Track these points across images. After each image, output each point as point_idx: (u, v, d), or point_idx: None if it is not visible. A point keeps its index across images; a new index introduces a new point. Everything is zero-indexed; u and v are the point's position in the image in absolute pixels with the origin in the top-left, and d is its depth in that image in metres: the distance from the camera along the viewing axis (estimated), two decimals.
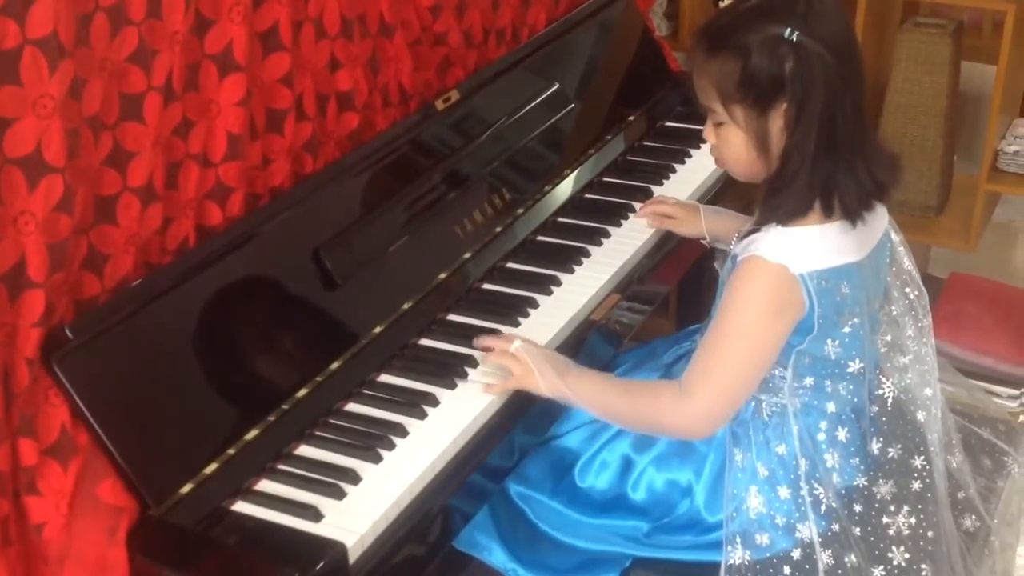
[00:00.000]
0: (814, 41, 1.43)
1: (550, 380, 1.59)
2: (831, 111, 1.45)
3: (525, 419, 1.64)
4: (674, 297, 2.75)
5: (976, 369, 2.62)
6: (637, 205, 2.10)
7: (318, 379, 1.62)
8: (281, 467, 1.52)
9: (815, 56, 1.43)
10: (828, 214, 1.50)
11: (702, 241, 2.01)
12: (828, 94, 1.44)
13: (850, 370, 1.58)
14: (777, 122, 1.47)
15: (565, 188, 2.16)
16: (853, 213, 1.50)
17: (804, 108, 1.44)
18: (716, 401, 1.52)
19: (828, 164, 1.47)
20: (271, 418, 1.55)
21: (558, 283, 1.90)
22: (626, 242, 2.03)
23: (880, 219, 1.59)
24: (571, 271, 1.93)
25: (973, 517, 1.69)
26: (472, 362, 1.70)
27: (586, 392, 1.60)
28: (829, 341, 1.54)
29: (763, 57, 1.44)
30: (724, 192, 2.27)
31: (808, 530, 1.55)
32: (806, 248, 1.48)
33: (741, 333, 1.50)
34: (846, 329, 1.54)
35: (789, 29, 1.42)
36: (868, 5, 2.88)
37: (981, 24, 3.39)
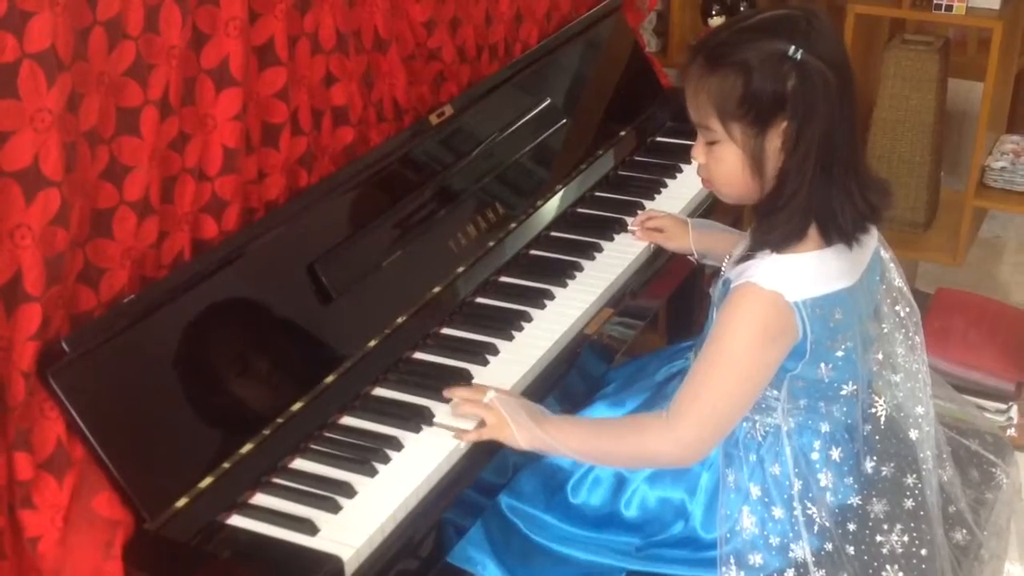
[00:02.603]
0: (817, 59, 1.42)
1: (527, 431, 1.55)
2: (830, 131, 1.44)
3: None
4: (664, 313, 2.76)
5: (964, 384, 2.64)
6: (629, 219, 2.12)
7: (313, 392, 1.62)
8: (276, 481, 1.52)
9: (818, 74, 1.42)
10: (825, 238, 1.49)
11: (689, 257, 2.01)
12: (829, 113, 1.43)
13: (843, 392, 1.58)
14: (775, 141, 1.46)
15: (557, 203, 2.17)
16: (849, 236, 1.49)
17: (805, 127, 1.43)
18: (705, 428, 1.51)
19: (824, 186, 1.46)
20: (266, 432, 1.55)
21: (551, 297, 1.91)
22: (618, 256, 2.04)
23: (870, 239, 1.59)
24: (564, 285, 1.94)
25: (964, 531, 1.70)
26: (467, 376, 1.71)
27: (567, 437, 1.57)
28: (823, 365, 1.54)
29: (766, 74, 1.43)
30: (715, 207, 2.29)
31: (802, 550, 1.55)
32: (801, 275, 1.48)
33: (733, 361, 1.49)
34: (839, 353, 1.54)
35: (793, 47, 1.42)
36: (856, 22, 2.91)
37: (966, 41, 3.43)
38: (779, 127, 1.45)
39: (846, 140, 1.46)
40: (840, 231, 1.48)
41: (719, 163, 1.52)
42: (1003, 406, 2.72)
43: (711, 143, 1.52)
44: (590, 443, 1.58)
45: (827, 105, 1.43)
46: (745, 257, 1.53)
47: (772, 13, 1.49)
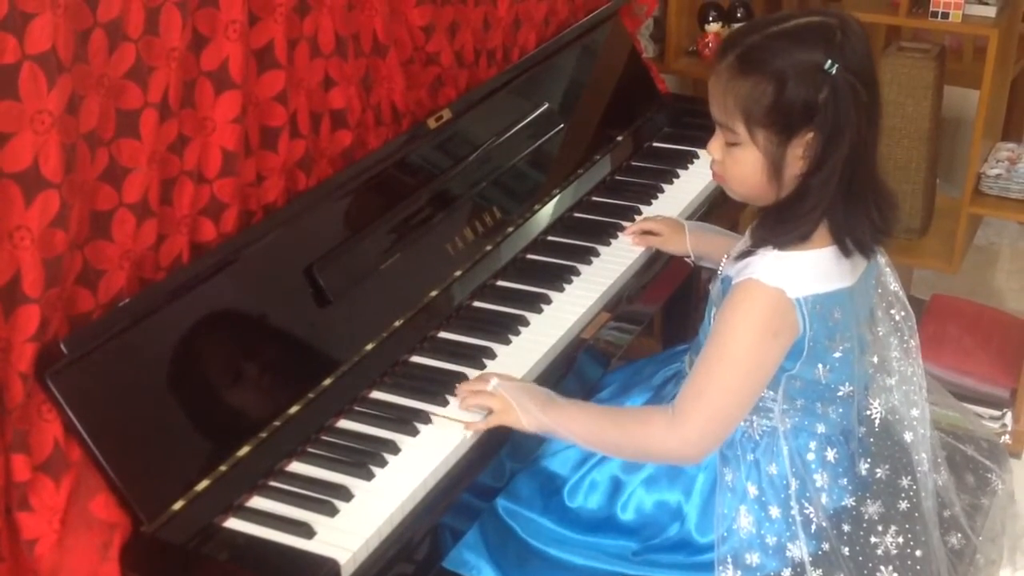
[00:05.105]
0: (850, 74, 1.42)
1: (531, 415, 1.56)
2: (856, 144, 1.44)
3: (514, 438, 1.64)
4: (659, 317, 2.76)
5: (958, 390, 2.65)
6: (626, 224, 2.12)
7: (310, 395, 1.62)
8: (273, 484, 1.52)
9: (849, 89, 1.42)
10: (844, 251, 1.50)
11: (686, 259, 2.02)
12: (856, 127, 1.43)
13: (840, 394, 1.59)
14: (796, 150, 1.46)
15: (554, 207, 2.18)
16: (867, 249, 1.51)
17: (832, 141, 1.43)
18: (709, 425, 1.52)
19: (844, 199, 1.46)
20: (263, 435, 1.55)
21: (548, 301, 1.91)
22: (615, 261, 2.04)
23: None
24: (561, 289, 1.94)
25: (959, 535, 1.70)
26: (464, 379, 1.71)
27: (571, 423, 1.57)
28: (820, 366, 1.55)
29: (799, 85, 1.42)
30: (711, 212, 2.29)
31: (798, 550, 1.55)
32: (802, 273, 1.48)
33: (737, 356, 1.49)
34: (837, 354, 1.54)
35: (830, 61, 1.41)
36: None
37: (962, 49, 3.43)
38: (804, 137, 1.45)
39: (869, 154, 1.47)
40: (859, 244, 1.50)
41: (737, 164, 1.52)
42: (998, 413, 2.72)
43: (732, 144, 1.51)
44: (594, 432, 1.58)
45: (856, 119, 1.43)
46: (745, 253, 1.53)
47: (808, 19, 1.48)
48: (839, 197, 1.47)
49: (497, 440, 1.62)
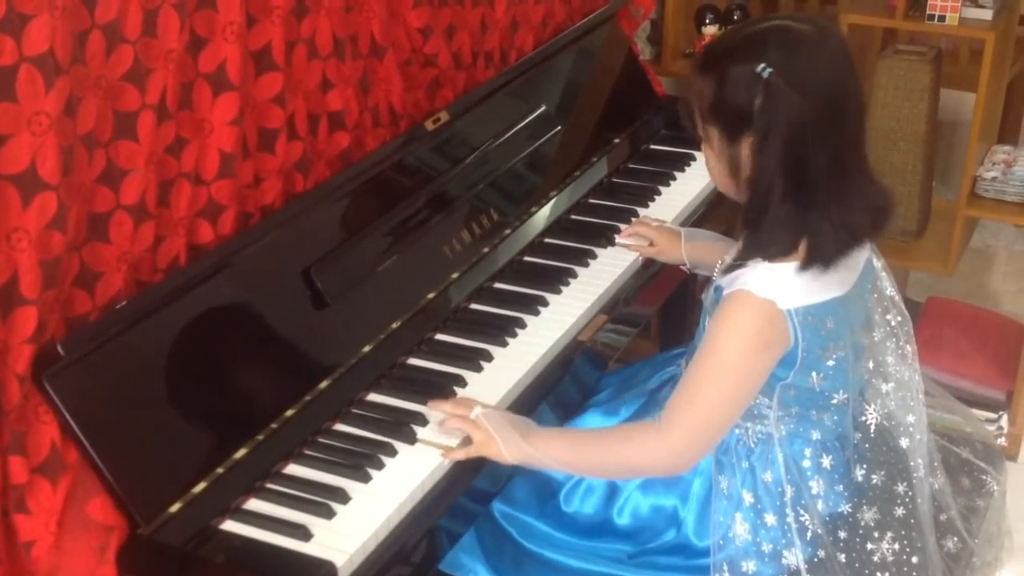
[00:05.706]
0: (788, 81, 1.41)
1: (514, 446, 1.54)
2: (797, 153, 1.43)
3: None
4: (656, 319, 2.76)
5: (953, 392, 2.64)
6: (623, 226, 2.12)
7: (307, 398, 1.62)
8: (270, 486, 1.52)
9: (783, 96, 1.42)
10: (808, 258, 1.49)
11: (682, 267, 2.01)
12: (793, 135, 1.42)
13: (834, 402, 1.59)
14: (745, 151, 1.49)
15: (551, 209, 2.18)
16: (829, 259, 1.48)
17: (767, 144, 1.44)
18: (697, 433, 1.52)
19: (802, 207, 1.46)
20: (260, 437, 1.55)
21: (545, 304, 1.91)
22: (613, 263, 2.04)
23: (862, 248, 1.58)
24: (558, 292, 1.94)
25: (955, 539, 1.70)
26: (461, 381, 1.71)
27: (554, 449, 1.56)
28: (814, 374, 1.54)
29: (734, 88, 1.45)
30: (708, 215, 2.29)
31: (794, 557, 1.55)
32: (793, 283, 1.48)
33: (726, 367, 1.49)
34: (830, 362, 1.54)
35: (764, 65, 1.42)
36: (849, 32, 2.92)
37: (958, 51, 3.44)
38: (747, 140, 1.47)
39: (825, 164, 1.44)
40: (819, 253, 1.47)
41: (707, 158, 1.58)
42: (993, 415, 2.73)
43: (702, 139, 1.57)
44: (578, 455, 1.58)
45: (790, 128, 1.42)
46: (736, 264, 1.53)
47: (770, 24, 1.50)
48: (797, 204, 1.45)
49: None
